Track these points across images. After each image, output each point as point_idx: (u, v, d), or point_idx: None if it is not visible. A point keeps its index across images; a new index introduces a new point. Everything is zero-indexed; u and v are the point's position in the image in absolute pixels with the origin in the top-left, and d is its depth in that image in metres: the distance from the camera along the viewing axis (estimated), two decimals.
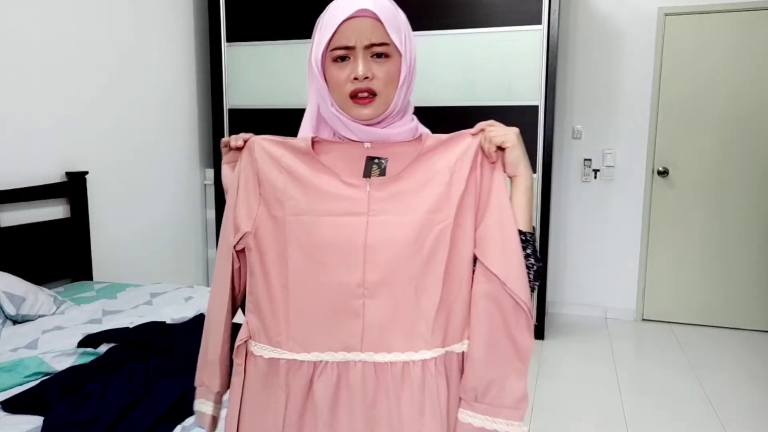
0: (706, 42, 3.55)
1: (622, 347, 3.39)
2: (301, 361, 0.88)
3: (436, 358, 0.87)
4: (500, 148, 0.89)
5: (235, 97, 3.69)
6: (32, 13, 2.58)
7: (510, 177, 0.91)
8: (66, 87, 2.76)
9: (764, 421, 2.52)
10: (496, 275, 0.87)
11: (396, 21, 0.87)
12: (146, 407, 1.43)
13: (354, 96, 0.86)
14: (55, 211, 2.72)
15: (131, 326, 2.03)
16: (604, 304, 3.92)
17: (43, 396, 1.50)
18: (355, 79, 0.85)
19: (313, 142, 0.92)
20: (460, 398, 0.90)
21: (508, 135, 0.88)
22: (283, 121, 3.59)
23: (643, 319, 3.86)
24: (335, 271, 0.87)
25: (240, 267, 0.96)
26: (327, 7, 0.89)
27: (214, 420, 1.00)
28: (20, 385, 1.61)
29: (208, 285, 3.88)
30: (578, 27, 3.75)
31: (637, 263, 3.82)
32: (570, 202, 3.90)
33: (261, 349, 0.91)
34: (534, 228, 0.93)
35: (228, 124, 3.72)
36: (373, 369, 0.87)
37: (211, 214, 3.81)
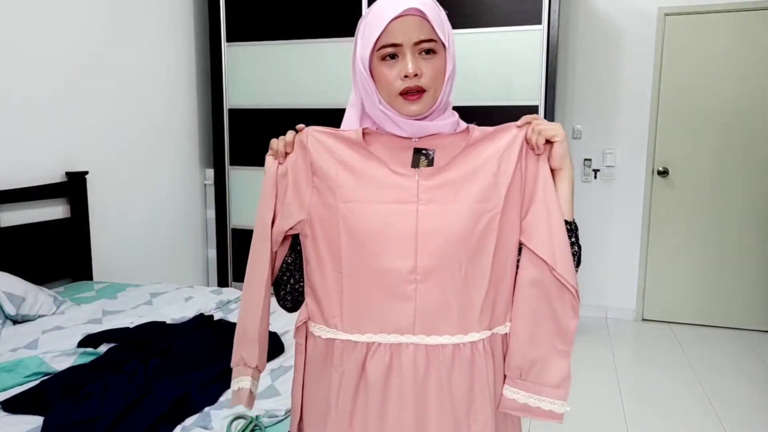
0: (706, 42, 3.55)
1: (622, 347, 3.39)
2: (356, 342, 0.92)
3: (483, 339, 0.92)
4: (548, 142, 0.91)
5: (235, 97, 3.69)
6: (32, 13, 2.58)
7: (554, 169, 0.93)
8: (66, 87, 2.76)
9: (764, 421, 2.52)
10: (544, 260, 0.90)
11: (439, 17, 0.90)
12: (146, 407, 1.43)
13: (404, 93, 0.89)
14: (55, 211, 2.72)
15: (131, 326, 2.03)
16: (604, 304, 3.92)
17: (43, 396, 1.50)
18: (405, 76, 0.88)
19: (363, 133, 0.95)
20: (505, 375, 0.94)
21: (558, 129, 0.91)
22: (283, 121, 3.59)
23: (643, 319, 3.86)
24: (387, 257, 0.89)
25: (277, 252, 1.00)
26: (371, 8, 0.92)
27: (252, 396, 1.02)
28: (20, 385, 1.61)
29: (208, 285, 3.88)
30: (578, 27, 3.75)
31: (637, 263, 3.82)
32: None
33: (319, 330, 0.96)
34: (574, 219, 0.97)
35: (228, 124, 3.72)
36: (425, 351, 0.90)
37: (211, 214, 3.81)
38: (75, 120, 2.81)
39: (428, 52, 0.89)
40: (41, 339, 1.92)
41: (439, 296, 0.90)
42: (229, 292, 2.57)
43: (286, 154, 0.97)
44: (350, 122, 0.99)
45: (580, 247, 0.97)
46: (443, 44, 0.90)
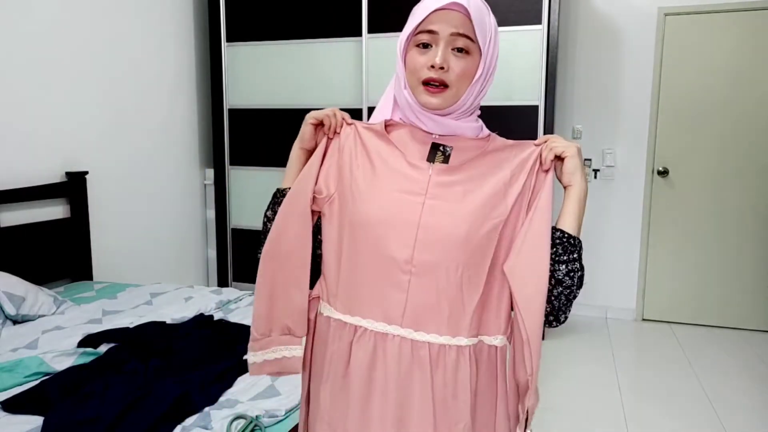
0: (706, 42, 3.55)
1: (622, 347, 3.39)
2: (345, 323, 0.94)
3: (471, 345, 0.91)
4: (558, 158, 0.92)
5: (235, 97, 3.69)
6: (32, 13, 2.58)
7: (565, 187, 0.93)
8: (66, 87, 2.76)
9: (764, 421, 2.52)
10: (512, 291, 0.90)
11: (484, 21, 0.90)
12: (146, 407, 1.43)
13: (426, 84, 0.90)
14: (55, 211, 2.72)
15: (131, 326, 2.03)
16: (604, 304, 3.92)
17: (43, 396, 1.50)
18: (432, 67, 0.88)
19: (386, 124, 0.97)
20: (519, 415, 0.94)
21: (570, 146, 0.91)
22: (283, 121, 3.59)
23: (643, 319, 3.86)
24: (387, 244, 0.90)
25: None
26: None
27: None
28: (20, 385, 1.61)
29: (208, 285, 3.88)
30: (578, 27, 3.75)
31: (637, 263, 3.82)
32: None
33: (323, 307, 0.99)
34: (580, 240, 0.95)
35: (228, 124, 3.72)
36: (410, 346, 0.90)
37: (211, 214, 3.81)
38: (75, 120, 2.81)
39: (461, 50, 0.89)
40: (41, 339, 1.92)
41: (432, 293, 0.89)
42: (229, 292, 2.57)
43: (334, 133, 0.99)
44: (383, 107, 1.01)
45: (581, 267, 0.92)
46: (479, 47, 0.90)
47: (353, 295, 0.93)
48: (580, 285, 0.93)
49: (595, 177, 3.83)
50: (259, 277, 1.00)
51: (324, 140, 0.99)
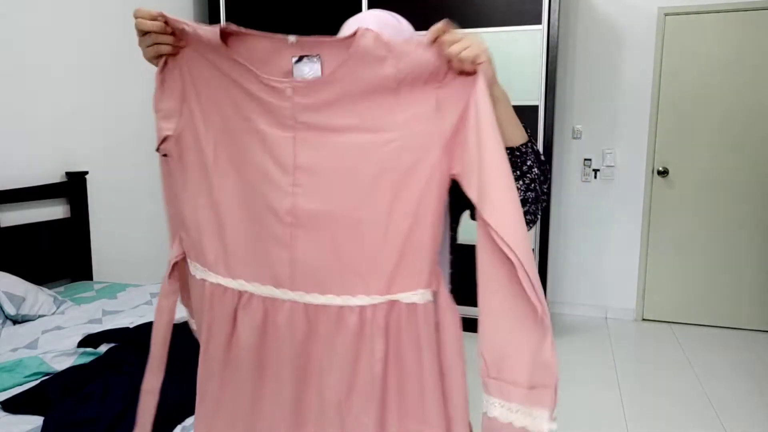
0: (706, 42, 3.55)
1: (622, 347, 3.39)
2: (225, 287, 0.81)
3: (376, 305, 0.75)
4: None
5: None
6: (32, 13, 2.58)
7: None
8: (66, 87, 2.76)
9: (764, 421, 2.52)
10: (485, 222, 0.71)
11: (400, 37, 0.90)
12: None
13: None
14: (55, 211, 2.72)
15: (131, 326, 2.03)
16: (604, 304, 3.92)
17: (43, 396, 1.50)
18: None
19: (225, 32, 0.74)
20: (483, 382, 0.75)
21: (477, 47, 0.73)
22: None
23: (643, 319, 3.86)
24: (259, 191, 0.76)
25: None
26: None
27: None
28: (20, 385, 1.61)
29: None
30: (578, 27, 3.75)
31: (637, 263, 3.82)
32: (570, 202, 3.90)
33: (194, 268, 0.85)
34: (529, 134, 0.85)
35: None
36: (304, 311, 0.77)
37: None
38: (75, 120, 2.81)
39: None
40: (41, 339, 1.92)
41: (323, 246, 0.75)
42: None
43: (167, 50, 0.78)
44: None
45: (541, 164, 0.83)
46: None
47: (231, 254, 0.79)
48: (544, 182, 0.84)
49: (595, 177, 3.83)
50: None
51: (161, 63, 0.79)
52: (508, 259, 0.70)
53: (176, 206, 0.86)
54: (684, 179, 3.70)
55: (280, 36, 0.74)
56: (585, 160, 3.83)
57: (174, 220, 0.91)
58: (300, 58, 0.74)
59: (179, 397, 1.49)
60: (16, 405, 1.47)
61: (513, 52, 3.22)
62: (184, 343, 1.91)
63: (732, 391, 2.80)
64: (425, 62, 0.72)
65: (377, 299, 0.75)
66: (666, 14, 3.58)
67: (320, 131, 0.73)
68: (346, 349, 0.76)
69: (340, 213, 0.74)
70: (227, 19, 3.61)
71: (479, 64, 0.73)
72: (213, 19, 3.63)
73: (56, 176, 2.72)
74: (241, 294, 0.79)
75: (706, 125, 3.62)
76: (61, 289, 2.59)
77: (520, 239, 0.70)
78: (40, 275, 2.57)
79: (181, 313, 2.35)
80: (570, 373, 3.01)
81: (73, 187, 2.76)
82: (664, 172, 3.72)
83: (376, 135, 0.73)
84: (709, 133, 3.62)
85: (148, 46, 0.79)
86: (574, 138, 3.83)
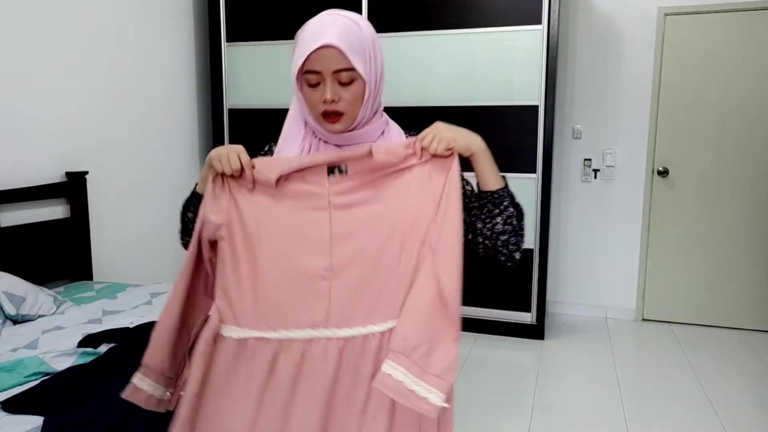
0: (706, 42, 3.55)
1: (622, 347, 3.39)
2: (268, 339, 0.97)
3: (392, 328, 0.96)
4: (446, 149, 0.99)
5: (235, 97, 3.69)
6: (32, 13, 2.58)
7: (468, 157, 1.01)
8: (66, 87, 2.76)
9: (764, 421, 2.52)
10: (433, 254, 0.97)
11: (360, 46, 0.97)
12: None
13: (325, 115, 1.00)
14: (55, 211, 2.72)
15: (131, 326, 2.03)
16: (604, 304, 3.92)
17: (43, 396, 1.50)
18: (325, 101, 0.97)
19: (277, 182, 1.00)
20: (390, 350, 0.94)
21: (440, 134, 0.98)
22: (283, 121, 3.58)
23: (643, 319, 3.86)
24: (299, 258, 0.97)
25: (211, 258, 1.04)
26: (304, 26, 1.00)
27: (152, 398, 1.10)
28: (20, 385, 1.61)
29: None
30: (578, 27, 3.75)
31: (637, 263, 3.82)
32: (570, 202, 3.90)
33: (230, 331, 0.99)
34: (505, 180, 1.05)
35: (228, 124, 3.72)
36: (336, 343, 0.96)
37: None
38: (75, 120, 2.81)
39: (346, 83, 0.97)
40: (41, 339, 1.92)
41: (352, 289, 0.96)
42: None
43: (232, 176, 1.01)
44: (289, 135, 1.08)
45: (516, 205, 1.04)
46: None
47: (273, 311, 0.97)
48: (520, 219, 1.05)
49: (595, 177, 3.83)
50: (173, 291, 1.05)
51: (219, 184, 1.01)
52: (438, 286, 0.95)
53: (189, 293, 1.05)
54: (684, 179, 3.70)
55: (315, 169, 0.99)
56: (585, 160, 3.83)
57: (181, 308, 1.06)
58: (331, 168, 0.99)
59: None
60: (16, 405, 1.47)
61: (513, 52, 3.22)
62: None
63: (732, 391, 2.80)
64: (408, 161, 1.00)
65: (392, 323, 0.96)
66: (666, 14, 3.58)
67: (348, 208, 0.98)
68: (367, 369, 0.95)
69: (364, 263, 0.97)
70: (227, 19, 3.61)
71: (450, 149, 0.98)
72: (213, 18, 3.63)
73: (56, 176, 2.72)
74: (281, 342, 0.97)
75: (706, 125, 3.62)
76: (61, 289, 2.59)
77: (448, 274, 0.95)
78: (40, 275, 2.57)
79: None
80: (570, 373, 3.01)
81: (73, 187, 2.76)
82: (664, 172, 3.72)
83: (387, 203, 0.98)
84: (709, 133, 3.62)
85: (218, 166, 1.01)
86: (574, 138, 3.83)
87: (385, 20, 3.33)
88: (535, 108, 3.21)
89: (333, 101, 0.97)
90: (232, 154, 0.99)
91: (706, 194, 3.67)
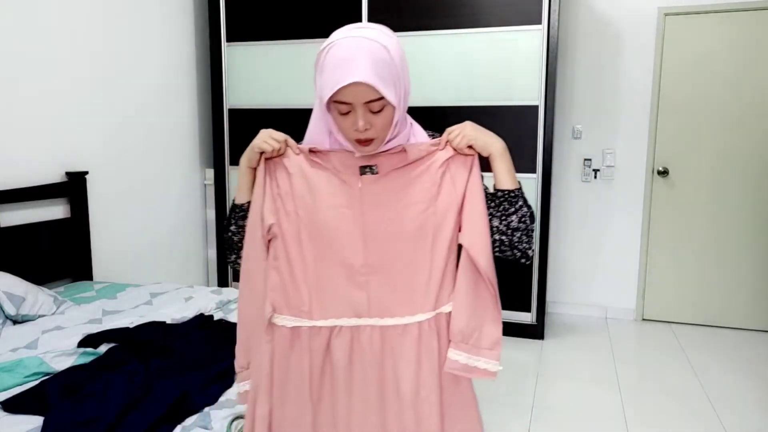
0: (706, 42, 3.55)
1: (622, 347, 3.39)
2: (320, 327, 1.08)
3: (429, 319, 1.07)
4: (469, 146, 1.07)
5: (235, 97, 3.69)
6: (32, 13, 2.58)
7: (487, 156, 1.08)
8: (66, 87, 2.76)
9: (764, 421, 2.52)
10: (465, 248, 1.07)
11: (390, 76, 0.97)
12: (146, 407, 1.43)
13: (357, 140, 1.03)
14: (55, 211, 2.72)
15: (131, 326, 2.03)
16: (604, 304, 3.92)
17: (43, 396, 1.50)
18: (357, 130, 1.00)
19: (311, 150, 1.09)
20: (450, 341, 1.08)
21: (465, 131, 1.06)
22: (283, 121, 3.59)
23: (643, 319, 3.86)
24: (340, 253, 1.07)
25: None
26: (329, 47, 0.98)
27: None
28: (20, 385, 1.61)
29: (208, 285, 3.88)
30: (578, 27, 3.75)
31: (637, 263, 3.82)
32: (570, 202, 3.90)
33: (283, 320, 1.09)
34: (519, 183, 1.12)
35: (228, 124, 3.72)
36: (379, 331, 1.07)
37: (211, 214, 3.81)
38: (75, 120, 2.81)
39: (377, 108, 0.99)
40: (41, 339, 1.92)
41: (388, 285, 1.07)
42: (229, 293, 2.57)
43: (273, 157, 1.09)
44: (316, 131, 1.09)
45: (529, 207, 1.11)
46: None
47: (324, 302, 1.08)
48: (532, 221, 1.11)
49: (595, 177, 3.83)
50: (240, 302, 1.16)
51: (263, 165, 1.10)
52: (478, 270, 1.08)
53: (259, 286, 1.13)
54: (684, 179, 3.70)
55: (348, 152, 1.07)
56: (585, 160, 3.83)
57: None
58: (364, 167, 1.07)
59: (179, 397, 1.49)
60: (16, 405, 1.48)
61: (513, 52, 3.23)
62: (185, 345, 1.91)
63: (732, 390, 2.80)
64: (437, 158, 1.09)
65: (429, 314, 1.08)
66: (666, 14, 3.58)
67: (379, 207, 1.07)
68: (411, 351, 1.07)
69: (397, 259, 1.07)
70: (227, 19, 3.61)
71: (471, 146, 1.07)
72: (213, 18, 3.63)
73: (56, 176, 2.72)
74: (332, 329, 1.08)
75: (706, 125, 3.62)
76: (61, 289, 2.59)
77: (486, 258, 1.07)
78: (40, 275, 2.57)
79: (182, 314, 2.35)
80: (570, 373, 3.01)
81: (73, 187, 2.76)
82: (664, 172, 3.72)
83: (417, 205, 1.07)
84: (709, 133, 3.62)
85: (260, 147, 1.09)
86: (574, 138, 3.83)
87: (385, 20, 3.33)
88: (535, 108, 3.22)
89: (365, 129, 1.00)
90: (270, 133, 1.08)
91: (706, 194, 3.67)
